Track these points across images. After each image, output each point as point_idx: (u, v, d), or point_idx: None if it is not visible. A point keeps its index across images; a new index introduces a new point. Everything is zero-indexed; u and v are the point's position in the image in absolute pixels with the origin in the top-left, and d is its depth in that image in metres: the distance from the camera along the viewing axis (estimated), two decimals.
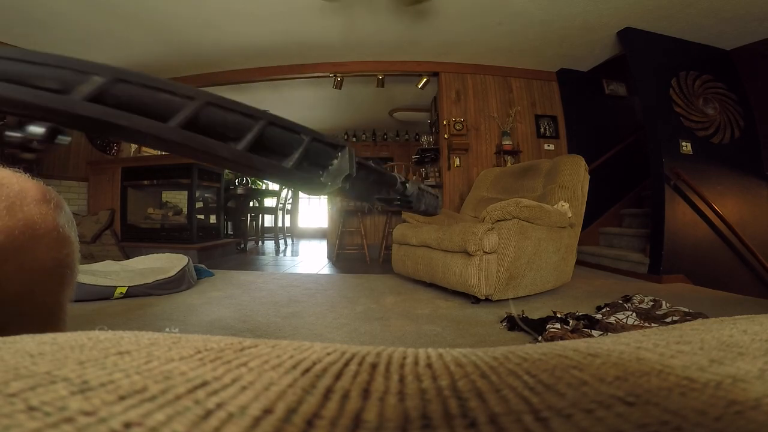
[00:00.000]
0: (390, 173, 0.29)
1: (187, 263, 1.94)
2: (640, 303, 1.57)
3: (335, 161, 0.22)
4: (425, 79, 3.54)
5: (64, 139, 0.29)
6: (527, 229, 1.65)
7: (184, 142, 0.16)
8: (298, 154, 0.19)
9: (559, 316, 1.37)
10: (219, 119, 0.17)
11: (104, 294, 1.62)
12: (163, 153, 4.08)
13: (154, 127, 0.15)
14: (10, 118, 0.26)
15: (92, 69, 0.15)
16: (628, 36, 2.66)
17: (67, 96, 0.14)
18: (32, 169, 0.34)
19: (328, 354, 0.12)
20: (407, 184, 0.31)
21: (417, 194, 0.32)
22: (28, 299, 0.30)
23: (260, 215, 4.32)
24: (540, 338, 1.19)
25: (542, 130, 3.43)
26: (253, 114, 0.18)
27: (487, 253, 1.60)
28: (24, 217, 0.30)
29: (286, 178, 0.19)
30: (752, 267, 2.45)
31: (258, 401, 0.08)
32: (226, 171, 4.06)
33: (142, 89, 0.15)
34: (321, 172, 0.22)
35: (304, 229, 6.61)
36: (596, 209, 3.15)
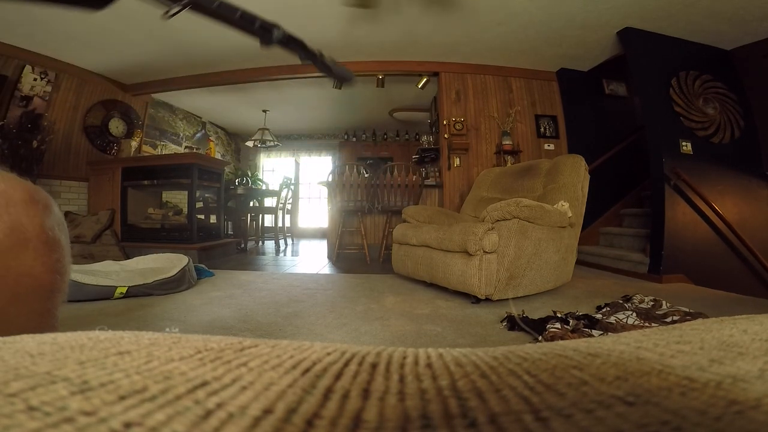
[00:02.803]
0: (268, 21, 0.28)
1: (187, 263, 1.94)
2: (640, 303, 1.57)
3: None
4: (425, 79, 3.54)
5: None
6: (527, 228, 1.65)
7: None
8: None
9: (559, 315, 1.37)
10: None
11: (104, 294, 1.62)
12: (164, 153, 4.10)
13: None
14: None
15: None
16: (628, 36, 2.65)
17: None
18: (32, 168, 0.34)
19: (328, 354, 0.12)
20: (291, 37, 0.31)
21: (284, 38, 0.33)
22: (15, 306, 0.28)
23: (260, 215, 4.32)
24: (540, 338, 1.19)
25: (542, 129, 3.43)
26: None
27: (487, 252, 1.60)
28: (9, 219, 0.28)
29: None
30: (752, 267, 2.45)
31: (258, 401, 0.08)
32: (227, 171, 4.07)
33: None
34: None
35: (304, 229, 6.60)
36: (596, 209, 3.15)
